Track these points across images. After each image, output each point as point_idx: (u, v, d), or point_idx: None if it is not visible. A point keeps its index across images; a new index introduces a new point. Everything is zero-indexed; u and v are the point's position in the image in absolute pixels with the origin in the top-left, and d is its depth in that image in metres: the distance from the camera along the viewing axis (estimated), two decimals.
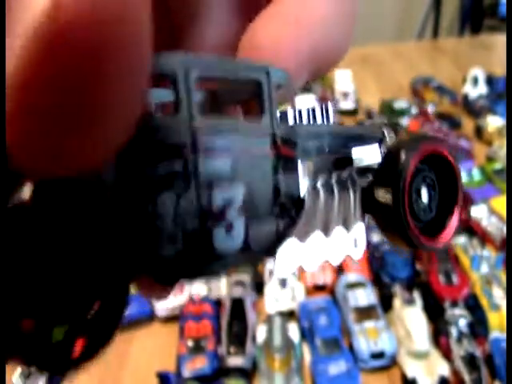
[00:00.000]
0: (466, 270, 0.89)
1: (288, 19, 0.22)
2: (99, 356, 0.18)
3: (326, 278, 0.91)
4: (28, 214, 0.15)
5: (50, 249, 0.16)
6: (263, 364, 0.76)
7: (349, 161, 0.26)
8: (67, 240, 0.16)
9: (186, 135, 0.19)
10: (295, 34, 0.22)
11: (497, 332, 0.79)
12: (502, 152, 1.21)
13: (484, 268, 0.89)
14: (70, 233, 0.16)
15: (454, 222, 0.26)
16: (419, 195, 0.26)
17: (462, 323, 0.78)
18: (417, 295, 0.84)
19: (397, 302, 0.83)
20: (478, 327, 0.79)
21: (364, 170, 0.26)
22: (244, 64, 0.21)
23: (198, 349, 0.78)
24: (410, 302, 0.82)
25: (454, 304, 0.82)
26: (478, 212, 1.02)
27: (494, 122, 1.34)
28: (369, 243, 0.97)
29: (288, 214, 0.23)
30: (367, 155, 0.27)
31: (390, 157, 0.25)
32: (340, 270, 0.93)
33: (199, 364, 0.76)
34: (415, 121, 1.37)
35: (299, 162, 0.23)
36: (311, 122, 0.25)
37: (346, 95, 1.56)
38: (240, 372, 0.76)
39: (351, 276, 0.89)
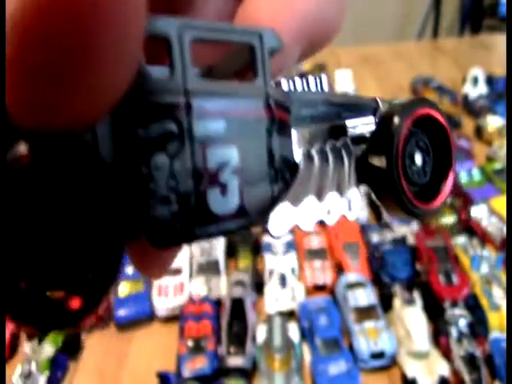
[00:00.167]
0: (466, 269, 0.89)
1: None
2: (94, 313, 0.18)
3: (326, 278, 0.91)
4: (24, 171, 0.15)
5: (45, 207, 0.16)
6: (263, 364, 0.76)
7: (343, 130, 0.26)
8: (61, 199, 0.16)
9: (180, 96, 0.19)
10: (288, 8, 0.22)
11: (497, 332, 0.79)
12: (502, 152, 1.21)
13: (484, 268, 0.89)
14: (64, 191, 0.16)
15: (448, 185, 0.27)
16: (413, 160, 0.26)
17: (462, 323, 0.78)
18: (417, 295, 0.84)
19: (397, 302, 0.83)
20: (478, 327, 0.79)
21: (358, 140, 0.26)
22: (238, 28, 0.21)
23: (197, 349, 0.78)
24: (409, 301, 0.82)
25: (454, 304, 0.82)
26: (478, 212, 1.02)
27: (494, 122, 1.34)
28: (369, 243, 0.97)
29: (282, 179, 0.23)
30: (362, 124, 0.27)
31: (383, 122, 0.25)
32: (340, 270, 0.93)
33: (199, 364, 0.76)
34: None
35: (293, 127, 0.23)
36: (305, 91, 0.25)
37: None
38: (240, 372, 0.76)
39: (351, 276, 0.89)
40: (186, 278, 0.93)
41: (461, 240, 0.96)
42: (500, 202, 1.01)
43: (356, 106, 0.27)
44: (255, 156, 0.21)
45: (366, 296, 0.84)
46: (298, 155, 0.24)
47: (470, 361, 0.73)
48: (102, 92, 0.14)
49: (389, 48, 2.06)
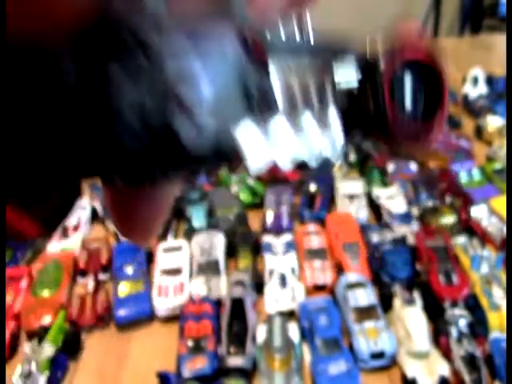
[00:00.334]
0: (466, 270, 0.89)
1: None
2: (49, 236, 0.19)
3: (326, 278, 0.91)
4: None
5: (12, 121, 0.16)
6: (263, 364, 0.76)
7: (328, 72, 0.25)
8: (29, 114, 0.16)
9: (151, 29, 0.18)
10: None
11: (497, 332, 0.79)
12: (502, 152, 1.21)
13: (484, 268, 0.89)
14: (32, 104, 0.16)
15: (439, 124, 0.26)
16: (403, 100, 0.25)
17: (462, 323, 0.78)
18: (417, 295, 0.84)
19: (397, 302, 0.83)
20: (478, 327, 0.79)
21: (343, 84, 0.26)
22: None
23: (197, 349, 0.78)
24: (410, 301, 0.82)
25: (454, 304, 0.82)
26: (478, 212, 1.02)
27: (494, 122, 1.34)
28: (369, 243, 0.97)
29: (260, 114, 0.22)
30: (347, 69, 0.26)
31: (369, 63, 0.25)
32: (340, 270, 0.93)
33: (199, 364, 0.76)
34: None
35: (271, 65, 0.22)
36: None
37: None
38: (240, 372, 0.76)
39: (351, 276, 0.89)
40: (186, 278, 0.93)
41: (461, 240, 0.96)
42: (500, 202, 1.01)
43: (342, 50, 0.26)
44: (231, 91, 0.20)
45: (366, 296, 0.84)
46: (277, 90, 0.22)
47: (470, 361, 0.73)
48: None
49: None
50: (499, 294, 0.84)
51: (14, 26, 0.15)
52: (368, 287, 0.86)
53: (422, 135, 0.25)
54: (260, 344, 0.79)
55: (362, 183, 1.15)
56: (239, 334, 0.80)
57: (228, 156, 0.21)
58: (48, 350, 0.79)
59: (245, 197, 1.15)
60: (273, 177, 1.19)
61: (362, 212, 1.07)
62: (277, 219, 1.06)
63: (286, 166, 0.23)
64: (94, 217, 1.15)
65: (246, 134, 0.21)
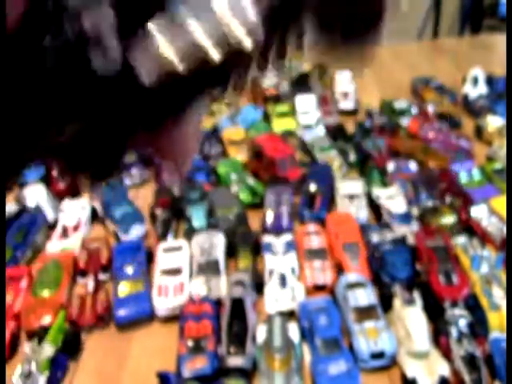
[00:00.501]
0: (466, 269, 0.89)
1: None
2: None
3: (326, 278, 0.91)
4: None
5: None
6: (263, 364, 0.76)
7: None
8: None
9: None
10: None
11: (497, 332, 0.79)
12: (502, 152, 1.21)
13: (484, 268, 0.89)
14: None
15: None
16: None
17: (462, 323, 0.78)
18: (417, 295, 0.84)
19: (397, 302, 0.83)
20: (478, 327, 0.79)
21: None
22: None
23: (197, 349, 0.78)
24: (410, 301, 0.82)
25: (454, 304, 0.82)
26: (478, 212, 1.02)
27: (494, 122, 1.34)
28: (369, 243, 0.97)
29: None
30: None
31: None
32: (340, 270, 0.93)
33: (199, 364, 0.76)
34: (415, 121, 1.37)
35: None
36: None
37: (345, 95, 1.56)
38: (240, 372, 0.76)
39: (351, 276, 0.89)
40: (186, 278, 0.93)
41: (461, 240, 0.96)
42: (500, 202, 1.01)
43: None
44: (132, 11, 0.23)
45: (366, 296, 0.84)
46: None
47: (470, 361, 0.73)
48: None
49: (389, 48, 2.06)
50: (499, 294, 0.84)
51: None
52: (368, 287, 0.86)
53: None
54: (260, 344, 0.79)
55: (361, 183, 1.15)
56: (239, 334, 0.80)
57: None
58: (48, 349, 0.79)
59: (245, 197, 1.15)
60: (273, 177, 1.19)
61: (362, 212, 1.07)
62: (277, 219, 1.06)
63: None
64: (94, 217, 1.16)
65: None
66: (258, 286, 0.91)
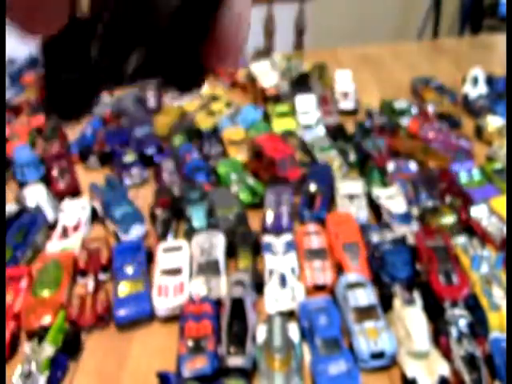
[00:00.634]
0: (466, 269, 0.89)
1: None
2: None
3: (326, 278, 0.91)
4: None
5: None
6: (263, 364, 0.76)
7: None
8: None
9: None
10: None
11: (497, 332, 0.79)
12: (502, 152, 1.21)
13: (484, 268, 0.89)
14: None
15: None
16: None
17: (462, 323, 0.78)
18: (417, 295, 0.84)
19: (397, 302, 0.83)
20: (478, 327, 0.79)
21: None
22: None
23: (197, 349, 0.78)
24: (410, 301, 0.82)
25: (454, 304, 0.82)
26: (478, 212, 1.02)
27: (494, 122, 1.34)
28: (369, 243, 0.97)
29: None
30: None
31: None
32: (340, 270, 0.93)
33: (199, 364, 0.76)
34: (415, 121, 1.37)
35: None
36: None
37: (346, 95, 1.56)
38: (240, 372, 0.76)
39: (351, 276, 0.89)
40: (186, 278, 0.93)
41: (461, 240, 0.96)
42: (500, 202, 1.01)
43: None
44: None
45: (366, 296, 0.84)
46: None
47: (470, 361, 0.73)
48: (51, 21, 0.25)
49: (389, 48, 2.06)
50: (499, 294, 0.84)
51: None
52: (368, 287, 0.86)
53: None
54: (260, 344, 0.79)
55: (361, 183, 1.15)
56: (239, 334, 0.80)
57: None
58: (48, 349, 0.79)
59: (245, 197, 1.15)
60: (273, 177, 1.19)
61: (362, 212, 1.07)
62: (277, 219, 1.06)
63: None
64: (94, 217, 1.16)
65: None
66: (258, 286, 0.91)
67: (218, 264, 0.95)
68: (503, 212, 0.98)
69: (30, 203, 1.16)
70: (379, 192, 1.11)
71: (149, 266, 0.98)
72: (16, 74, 1.89)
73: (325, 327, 0.80)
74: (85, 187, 1.25)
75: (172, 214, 1.10)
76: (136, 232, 1.07)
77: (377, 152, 1.26)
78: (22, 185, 1.26)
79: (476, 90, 1.52)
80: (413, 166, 1.19)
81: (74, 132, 1.49)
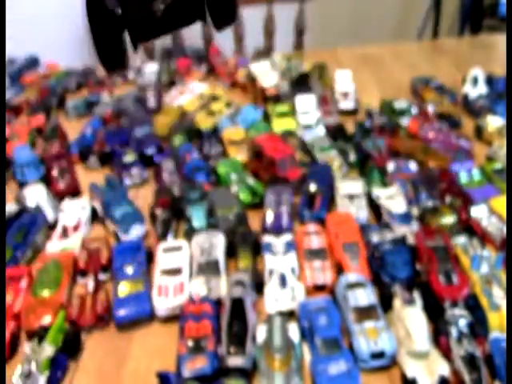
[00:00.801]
0: (466, 269, 0.89)
1: None
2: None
3: (326, 278, 0.91)
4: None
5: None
6: (263, 364, 0.76)
7: None
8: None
9: None
10: None
11: (497, 332, 0.79)
12: (502, 152, 1.21)
13: (484, 268, 0.89)
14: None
15: None
16: None
17: (462, 323, 0.78)
18: (417, 295, 0.84)
19: (397, 302, 0.83)
20: (478, 327, 0.79)
21: None
22: None
23: (197, 349, 0.78)
24: (410, 301, 0.82)
25: (454, 304, 0.82)
26: (478, 212, 1.02)
27: (494, 122, 1.34)
28: (369, 243, 0.97)
29: None
30: None
31: None
32: (340, 270, 0.93)
33: (199, 364, 0.76)
34: (415, 121, 1.37)
35: None
36: None
37: (346, 95, 1.56)
38: (240, 372, 0.76)
39: (351, 276, 0.89)
40: (186, 278, 0.93)
41: (461, 240, 0.96)
42: (500, 202, 1.01)
43: None
44: None
45: (366, 296, 0.84)
46: None
47: (470, 361, 0.73)
48: None
49: (389, 48, 2.06)
50: (499, 294, 0.84)
51: None
52: (368, 287, 0.86)
53: None
54: (260, 344, 0.79)
55: (361, 183, 1.15)
56: (239, 334, 0.80)
57: None
58: (48, 349, 0.79)
59: (245, 197, 1.15)
60: (273, 177, 1.19)
61: (362, 212, 1.07)
62: (277, 219, 1.06)
63: None
64: (94, 217, 1.16)
65: None
66: (258, 286, 0.91)
67: (218, 264, 0.95)
68: (503, 212, 0.98)
69: (30, 203, 1.16)
70: (379, 192, 1.11)
71: (149, 266, 0.98)
72: (16, 73, 1.90)
73: (325, 327, 0.80)
74: (85, 187, 1.25)
75: (172, 214, 1.10)
76: (136, 232, 1.07)
77: (377, 152, 1.26)
78: (22, 185, 1.26)
79: (476, 90, 1.51)
80: (413, 165, 1.19)
81: (73, 132, 1.50)
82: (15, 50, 1.99)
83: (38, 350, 0.78)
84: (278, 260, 0.95)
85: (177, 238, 1.08)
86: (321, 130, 1.39)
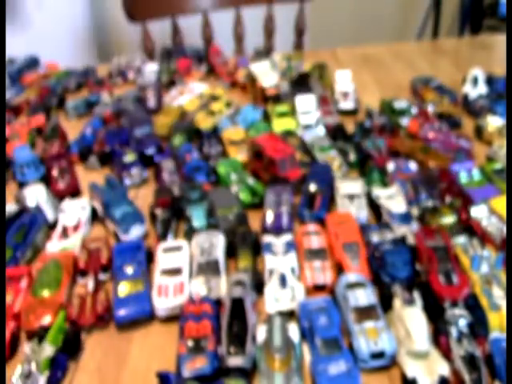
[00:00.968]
0: (466, 269, 0.89)
1: None
2: None
3: (326, 278, 0.91)
4: None
5: None
6: (263, 364, 0.76)
7: None
8: None
9: None
10: None
11: (497, 332, 0.79)
12: (502, 152, 1.21)
13: (484, 268, 0.89)
14: None
15: None
16: None
17: (462, 323, 0.78)
18: (417, 295, 0.84)
19: (397, 302, 0.83)
20: (478, 327, 0.79)
21: None
22: None
23: (197, 349, 0.78)
24: (410, 302, 0.82)
25: (454, 304, 0.82)
26: (478, 212, 1.02)
27: (494, 122, 1.34)
28: (369, 243, 0.97)
29: None
30: None
31: None
32: (340, 270, 0.93)
33: (199, 364, 0.76)
34: (415, 121, 1.37)
35: None
36: None
37: (346, 95, 1.56)
38: (240, 372, 0.76)
39: (351, 276, 0.89)
40: (186, 278, 0.93)
41: (461, 240, 0.96)
42: (500, 202, 1.01)
43: None
44: None
45: (366, 296, 0.84)
46: None
47: (470, 361, 0.73)
48: None
49: (389, 48, 2.06)
50: (499, 294, 0.84)
51: None
52: (368, 287, 0.86)
53: None
54: (260, 344, 0.79)
55: (361, 183, 1.15)
56: (239, 334, 0.80)
57: None
58: (48, 349, 0.79)
59: (245, 197, 1.15)
60: (273, 177, 1.19)
61: (362, 212, 1.07)
62: (277, 219, 1.06)
63: None
64: (94, 217, 1.16)
65: None
66: (258, 286, 0.91)
67: (217, 264, 0.95)
68: (503, 212, 0.98)
69: (30, 203, 1.16)
70: (379, 192, 1.11)
71: (149, 266, 0.98)
72: (16, 73, 1.90)
73: (325, 327, 0.80)
74: (85, 187, 1.25)
75: (172, 214, 1.10)
76: (136, 232, 1.07)
77: (377, 152, 1.26)
78: (21, 185, 1.26)
79: (476, 90, 1.52)
80: (413, 166, 1.19)
81: (73, 132, 1.50)
82: (15, 50, 1.99)
83: (38, 350, 0.78)
84: (278, 260, 0.95)
85: (177, 238, 1.08)
86: (321, 130, 1.39)
